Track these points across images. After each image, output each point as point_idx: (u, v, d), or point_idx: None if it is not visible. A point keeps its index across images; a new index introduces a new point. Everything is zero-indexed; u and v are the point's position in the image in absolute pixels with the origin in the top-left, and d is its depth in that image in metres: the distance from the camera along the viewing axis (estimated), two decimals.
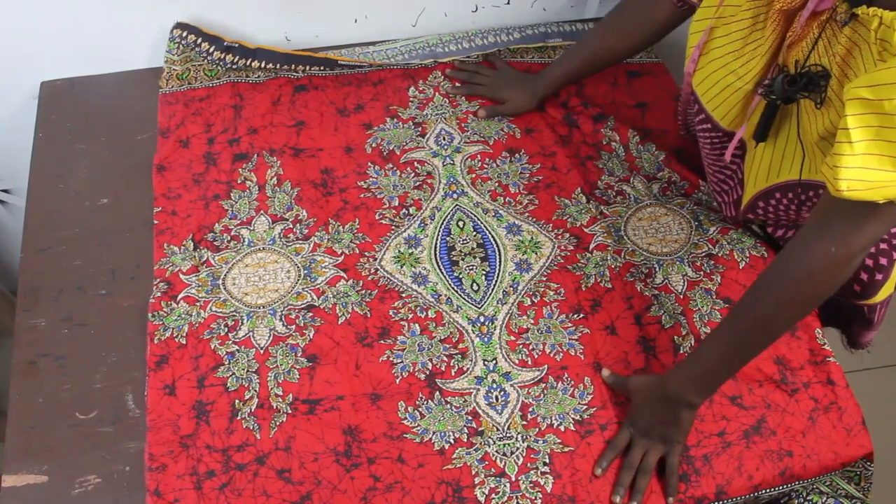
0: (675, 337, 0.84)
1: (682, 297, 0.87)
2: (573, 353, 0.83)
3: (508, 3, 1.11)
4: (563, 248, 0.91)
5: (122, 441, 0.77)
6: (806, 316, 0.73)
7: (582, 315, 0.86)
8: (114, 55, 1.03)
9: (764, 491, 0.77)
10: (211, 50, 1.02)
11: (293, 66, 1.04)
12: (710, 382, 0.73)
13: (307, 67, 1.04)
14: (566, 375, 0.81)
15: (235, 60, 1.03)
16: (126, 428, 0.78)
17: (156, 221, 0.90)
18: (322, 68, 1.05)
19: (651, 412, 0.75)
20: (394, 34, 1.10)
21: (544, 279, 0.88)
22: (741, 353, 0.71)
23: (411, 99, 1.04)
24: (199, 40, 1.02)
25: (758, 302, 0.69)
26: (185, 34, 1.02)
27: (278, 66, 1.03)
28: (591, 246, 0.91)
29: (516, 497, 0.74)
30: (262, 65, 1.03)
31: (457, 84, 1.05)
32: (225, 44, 1.03)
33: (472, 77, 1.05)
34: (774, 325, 0.69)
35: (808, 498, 0.81)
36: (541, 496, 0.74)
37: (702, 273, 0.89)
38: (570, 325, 0.85)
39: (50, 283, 0.86)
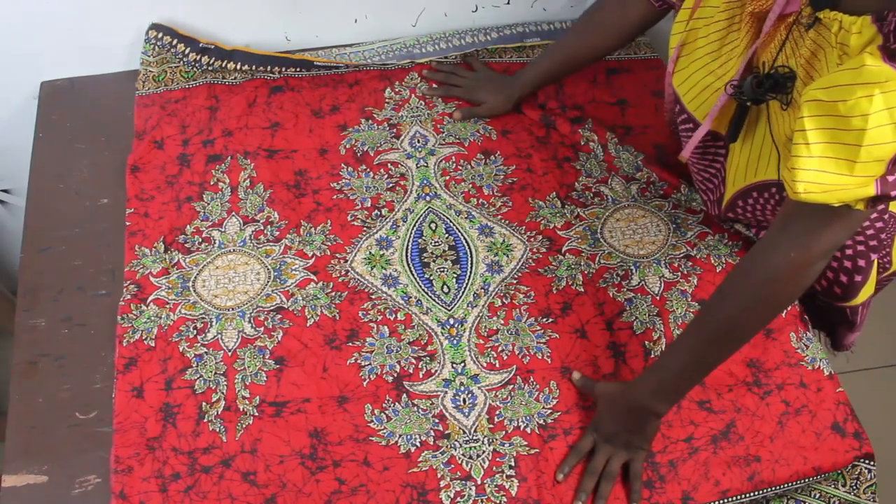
0: (647, 342, 0.83)
1: (658, 298, 0.86)
2: (540, 357, 0.82)
3: (508, 2, 1.10)
4: (534, 250, 0.90)
5: None
6: (773, 320, 0.72)
7: (551, 319, 0.85)
8: (114, 55, 1.04)
9: (735, 497, 0.76)
10: (186, 52, 1.02)
11: (269, 67, 1.04)
12: (676, 391, 0.72)
13: (283, 69, 1.04)
14: (532, 379, 0.81)
15: (211, 62, 1.03)
16: None
17: (128, 223, 0.91)
18: (298, 70, 1.04)
19: (615, 419, 0.74)
20: (394, 34, 1.10)
21: (514, 282, 0.87)
22: (707, 359, 0.70)
23: (387, 100, 1.03)
24: (175, 41, 1.02)
25: (723, 306, 0.68)
26: (160, 35, 1.02)
27: (254, 67, 1.03)
28: (564, 249, 0.90)
29: (481, 500, 0.74)
30: (238, 66, 1.03)
31: (433, 85, 1.05)
32: (200, 45, 1.03)
33: (449, 78, 1.04)
34: (740, 330, 0.68)
35: None
36: (506, 500, 0.74)
37: (679, 274, 0.88)
38: (538, 328, 0.84)
39: (50, 283, 0.87)
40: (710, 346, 0.69)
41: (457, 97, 1.03)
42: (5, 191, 1.21)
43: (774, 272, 0.63)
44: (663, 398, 0.72)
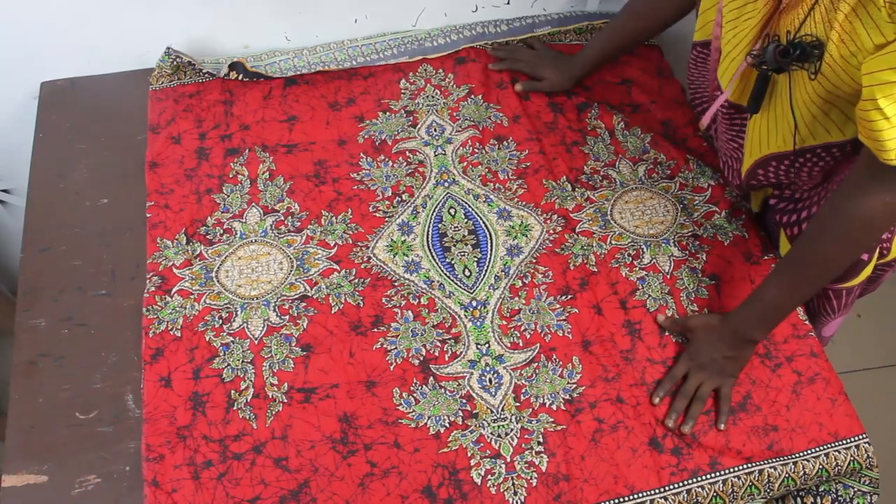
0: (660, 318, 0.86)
1: (668, 276, 0.89)
2: (561, 334, 0.84)
3: (508, 2, 1.12)
4: (551, 231, 0.92)
5: (122, 441, 0.77)
6: (860, 255, 0.78)
7: (570, 296, 0.87)
8: (114, 55, 1.03)
9: (757, 463, 0.78)
10: (204, 71, 1.02)
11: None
12: (774, 319, 0.78)
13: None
14: (555, 356, 0.83)
15: (227, 73, 1.03)
16: (126, 428, 0.78)
17: (149, 215, 0.91)
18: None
19: (713, 348, 0.79)
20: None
21: (534, 261, 0.89)
22: (800, 292, 0.76)
23: (402, 91, 1.05)
24: (195, 60, 1.02)
25: (816, 245, 0.72)
26: (180, 53, 1.02)
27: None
28: (578, 228, 0.93)
29: (512, 478, 0.75)
30: (256, 81, 1.04)
31: (496, 61, 1.07)
32: (221, 73, 1.03)
33: (513, 53, 1.06)
34: (832, 266, 0.73)
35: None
36: (536, 476, 0.75)
37: (687, 252, 0.91)
38: (558, 306, 0.86)
39: (50, 283, 0.87)
40: (803, 280, 0.74)
41: (520, 71, 1.06)
42: (5, 191, 1.20)
43: (869, 215, 0.66)
44: (761, 326, 0.78)
